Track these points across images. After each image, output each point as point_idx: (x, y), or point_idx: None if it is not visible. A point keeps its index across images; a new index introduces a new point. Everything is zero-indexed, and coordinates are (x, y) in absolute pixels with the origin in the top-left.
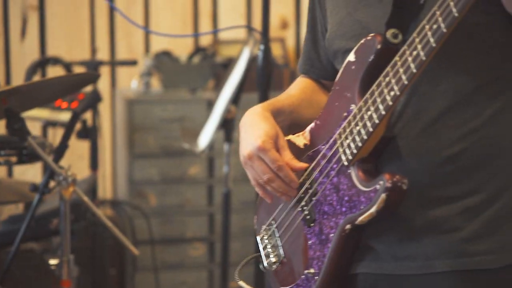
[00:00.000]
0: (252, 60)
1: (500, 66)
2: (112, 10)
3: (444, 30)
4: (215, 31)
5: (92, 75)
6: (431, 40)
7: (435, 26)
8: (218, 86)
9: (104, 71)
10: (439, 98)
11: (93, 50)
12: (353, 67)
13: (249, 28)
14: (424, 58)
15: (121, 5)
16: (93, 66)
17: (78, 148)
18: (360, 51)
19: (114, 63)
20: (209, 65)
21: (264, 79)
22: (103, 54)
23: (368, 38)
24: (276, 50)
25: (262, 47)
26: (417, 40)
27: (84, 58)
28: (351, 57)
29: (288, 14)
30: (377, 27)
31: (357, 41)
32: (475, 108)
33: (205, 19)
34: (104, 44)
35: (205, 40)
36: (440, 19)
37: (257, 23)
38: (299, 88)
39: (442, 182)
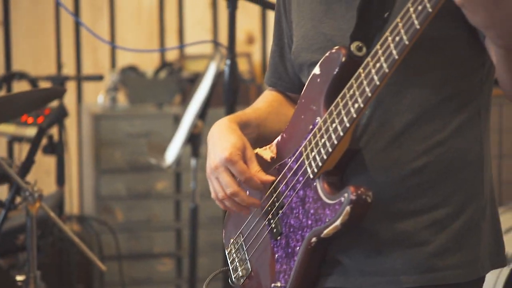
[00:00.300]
0: (218, 75)
1: (464, 79)
2: (78, 24)
3: (407, 42)
4: (181, 46)
5: (58, 90)
6: (394, 52)
7: (397, 38)
8: (185, 101)
9: (70, 86)
10: (404, 111)
11: (59, 65)
12: (318, 80)
13: (215, 43)
14: (387, 70)
15: (87, 19)
16: (59, 81)
17: (45, 164)
18: (325, 64)
19: (80, 78)
20: (176, 80)
21: (230, 94)
22: (69, 69)
23: (333, 51)
24: (242, 65)
25: (228, 62)
26: (380, 52)
27: (50, 73)
28: (316, 70)
29: (254, 29)
30: (342, 40)
31: (323, 54)
32: (439, 121)
33: (171, 34)
34: (70, 59)
35: (172, 55)
36: (402, 31)
37: (223, 38)
38: (266, 101)
39: (408, 195)
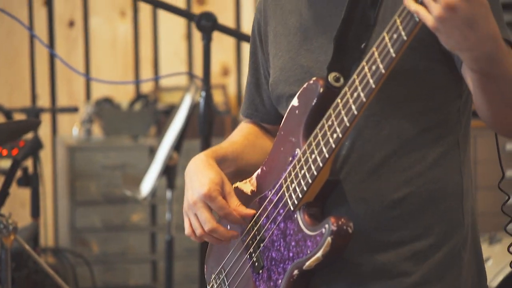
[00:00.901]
0: (193, 107)
1: (442, 110)
2: (52, 56)
3: (383, 71)
4: (156, 78)
5: (32, 122)
6: (371, 81)
7: (373, 67)
8: (160, 132)
9: (45, 118)
10: (384, 143)
11: (34, 97)
12: (296, 111)
13: (191, 74)
14: (364, 100)
15: (62, 51)
16: (34, 113)
17: (19, 196)
18: (303, 96)
19: (55, 110)
20: (151, 112)
21: (205, 126)
22: (44, 101)
23: (310, 82)
24: (217, 97)
25: (203, 93)
26: (357, 81)
27: (25, 105)
28: (294, 101)
29: (229, 61)
30: (320, 71)
31: (300, 85)
32: (419, 152)
33: (147, 66)
34: (45, 91)
35: (147, 87)
36: (378, 60)
37: (198, 70)
38: (243, 134)
39: (389, 227)
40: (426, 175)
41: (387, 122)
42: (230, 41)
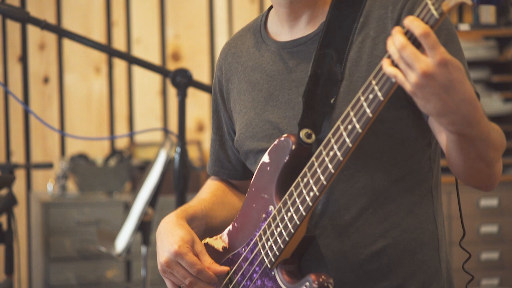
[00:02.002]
0: (169, 163)
1: (413, 159)
2: (27, 112)
3: (360, 131)
4: (131, 133)
5: (7, 178)
6: (347, 140)
7: (350, 127)
8: (135, 188)
9: (20, 174)
10: (358, 196)
11: (8, 153)
12: (268, 168)
13: (166, 130)
14: (341, 159)
15: (36, 107)
16: (8, 169)
17: None
18: (274, 152)
19: (29, 166)
20: (126, 168)
21: (181, 182)
22: (18, 157)
23: (282, 138)
24: (192, 153)
25: (178, 149)
26: (332, 140)
27: None
28: (265, 158)
29: (204, 116)
30: (288, 126)
31: (269, 141)
32: (393, 203)
33: (121, 122)
34: (20, 147)
35: (122, 143)
36: (354, 119)
37: (173, 126)
38: (210, 191)
39: (369, 279)
40: (402, 225)
41: (360, 174)
42: (205, 97)
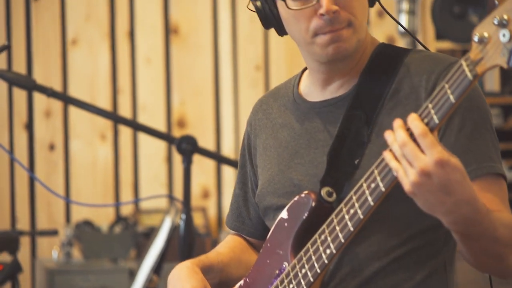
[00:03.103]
0: (174, 229)
1: (430, 232)
2: (32, 179)
3: (383, 189)
4: (136, 200)
5: (11, 246)
6: (369, 198)
7: (373, 185)
8: (140, 255)
9: (24, 241)
10: (372, 259)
11: (13, 220)
12: (285, 224)
13: (171, 197)
14: (362, 217)
15: (42, 174)
16: (13, 236)
17: None
18: (293, 209)
19: (34, 233)
20: (131, 235)
21: (186, 249)
22: (23, 223)
23: (302, 195)
24: (198, 219)
25: (183, 216)
26: (354, 198)
27: (4, 228)
28: (283, 214)
29: (209, 183)
30: (309, 184)
31: (289, 198)
32: (406, 272)
33: (127, 189)
34: (25, 214)
35: (127, 210)
36: (378, 178)
37: (178, 192)
38: (229, 246)
39: None
40: None
41: (376, 238)
42: (210, 163)
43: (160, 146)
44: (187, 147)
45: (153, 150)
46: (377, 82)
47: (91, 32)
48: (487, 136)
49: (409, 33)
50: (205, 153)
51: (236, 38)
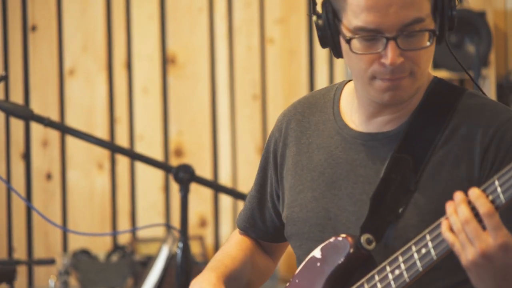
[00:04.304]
0: (171, 258)
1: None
2: (29, 208)
3: (435, 258)
4: (133, 229)
5: (8, 275)
6: (418, 264)
7: (424, 251)
8: (137, 284)
9: (21, 270)
10: None
11: (10, 250)
12: (318, 264)
13: (168, 226)
14: (408, 280)
15: (39, 203)
16: (10, 266)
17: None
18: (328, 250)
19: (31, 263)
20: (128, 264)
21: (183, 277)
22: (20, 253)
23: (339, 238)
24: (195, 248)
25: (181, 245)
26: (401, 259)
27: (1, 258)
28: (316, 253)
29: (207, 212)
30: (346, 222)
31: (321, 230)
32: None
33: (124, 217)
34: (21, 243)
35: (124, 238)
36: (430, 244)
37: (175, 221)
38: (241, 248)
39: None
40: None
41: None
42: (207, 192)
43: (157, 175)
44: (184, 176)
45: (150, 179)
46: (429, 124)
47: (88, 62)
48: None
49: (469, 75)
50: (202, 181)
51: (233, 67)
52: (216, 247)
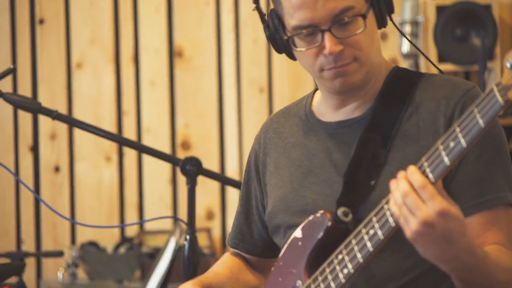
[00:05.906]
0: (178, 250)
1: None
2: (37, 201)
3: (393, 225)
4: (141, 221)
5: (17, 266)
6: (390, 219)
7: (383, 220)
8: (145, 276)
9: (30, 262)
10: (388, 280)
11: (19, 242)
12: (299, 243)
13: (175, 218)
14: (382, 237)
15: (47, 196)
16: (18, 257)
17: None
18: (308, 228)
19: (39, 255)
20: (136, 256)
21: (190, 269)
22: (29, 245)
23: (318, 215)
24: (202, 240)
25: (188, 237)
26: (374, 219)
27: (10, 250)
28: (297, 233)
29: (214, 204)
30: (324, 204)
31: (302, 216)
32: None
33: (131, 210)
34: (30, 236)
35: (132, 231)
36: (387, 213)
37: (183, 214)
38: (227, 266)
39: None
40: None
41: (392, 259)
42: (214, 185)
43: (164, 167)
44: (192, 169)
45: (157, 171)
46: (393, 105)
47: (96, 55)
48: (503, 165)
49: (423, 54)
50: (209, 174)
51: (240, 60)
52: (223, 239)
